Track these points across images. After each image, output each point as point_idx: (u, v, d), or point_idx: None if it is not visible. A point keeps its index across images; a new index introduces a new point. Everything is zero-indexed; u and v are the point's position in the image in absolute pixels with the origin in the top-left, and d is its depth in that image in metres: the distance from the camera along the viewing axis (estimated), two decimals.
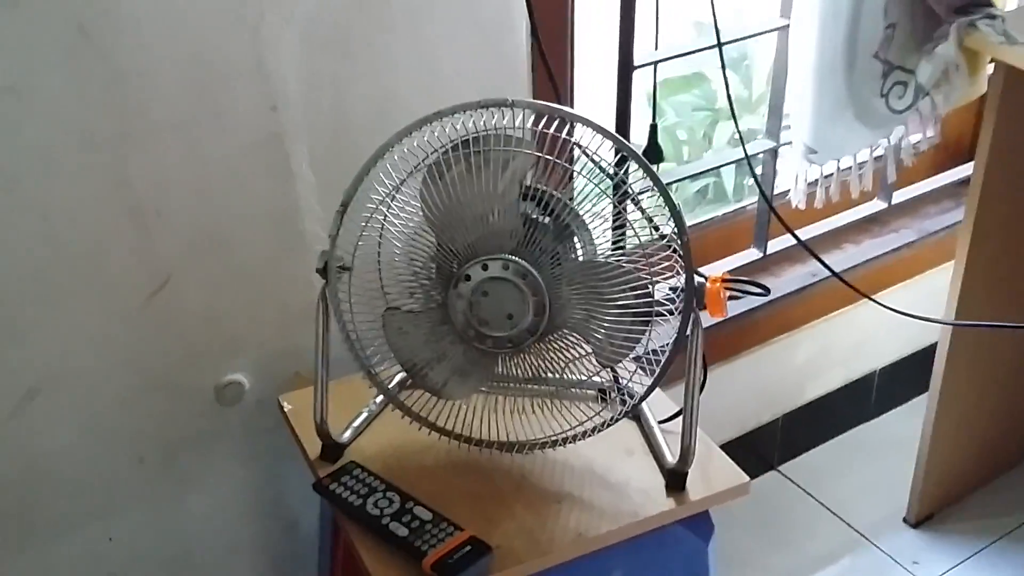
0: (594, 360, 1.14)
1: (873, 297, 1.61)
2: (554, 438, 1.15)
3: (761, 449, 2.04)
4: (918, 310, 1.59)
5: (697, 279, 1.09)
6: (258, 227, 1.28)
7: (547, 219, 1.10)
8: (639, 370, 1.14)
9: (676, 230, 1.07)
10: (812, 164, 1.63)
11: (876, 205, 1.97)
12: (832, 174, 1.68)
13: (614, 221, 1.12)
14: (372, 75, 1.27)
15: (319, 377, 1.17)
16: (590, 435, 1.15)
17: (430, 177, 1.07)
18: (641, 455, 1.20)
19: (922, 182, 2.07)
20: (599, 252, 1.12)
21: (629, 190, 1.09)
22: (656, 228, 1.11)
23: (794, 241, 1.59)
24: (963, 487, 1.97)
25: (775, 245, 1.84)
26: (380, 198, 1.10)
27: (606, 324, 1.09)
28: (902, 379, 2.17)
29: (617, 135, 1.05)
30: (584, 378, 1.17)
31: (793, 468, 2.08)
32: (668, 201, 1.07)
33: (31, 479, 1.26)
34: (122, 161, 1.17)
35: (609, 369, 1.16)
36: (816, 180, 1.68)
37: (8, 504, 1.27)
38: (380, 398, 1.23)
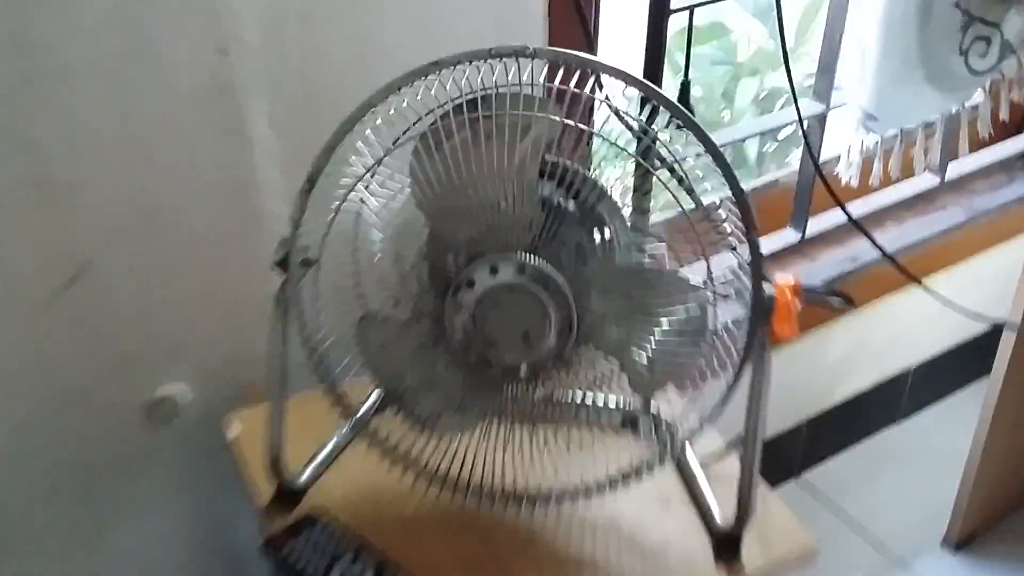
0: (624, 384, 0.89)
1: (929, 287, 1.38)
2: (575, 488, 0.90)
3: (781, 456, 1.81)
4: (964, 298, 1.39)
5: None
6: (203, 203, 1.03)
7: (571, 204, 0.85)
8: (681, 399, 0.89)
9: (743, 227, 0.82)
10: (870, 132, 1.37)
11: (927, 181, 1.72)
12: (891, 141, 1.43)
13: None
14: (352, 11, 1.01)
15: (274, 403, 0.91)
16: (620, 485, 0.90)
17: (424, 148, 0.81)
18: (680, 506, 0.96)
19: (971, 156, 1.82)
20: (638, 245, 0.86)
21: (683, 174, 0.84)
22: (716, 227, 0.85)
23: (832, 222, 1.41)
24: (1010, 505, 1.75)
25: (813, 226, 1.59)
26: (358, 174, 0.84)
27: (654, 346, 0.84)
28: (938, 376, 1.96)
29: (679, 105, 0.79)
30: (612, 406, 0.92)
31: (817, 476, 1.85)
32: (734, 187, 0.81)
33: None
34: (24, 116, 0.91)
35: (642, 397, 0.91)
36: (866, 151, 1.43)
37: None
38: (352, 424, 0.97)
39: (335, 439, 0.99)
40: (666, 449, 0.89)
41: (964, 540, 1.71)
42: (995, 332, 1.93)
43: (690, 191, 0.87)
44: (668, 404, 0.91)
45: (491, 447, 0.89)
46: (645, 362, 0.85)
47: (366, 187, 0.85)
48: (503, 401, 0.87)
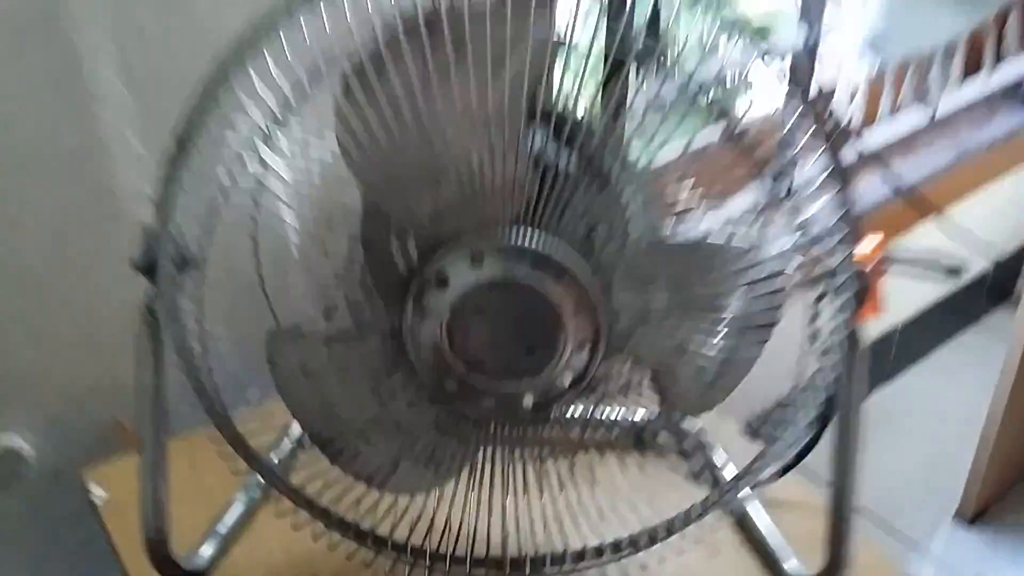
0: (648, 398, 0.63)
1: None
2: (597, 547, 0.64)
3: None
4: (957, 240, 1.18)
5: None
6: (28, 182, 0.75)
7: (571, 159, 0.58)
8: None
9: (835, 181, 0.57)
10: (877, 60, 1.14)
11: (916, 119, 1.51)
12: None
13: None
14: None
15: (147, 463, 0.63)
16: (657, 540, 0.64)
17: (359, 84, 0.53)
18: (733, 554, 0.71)
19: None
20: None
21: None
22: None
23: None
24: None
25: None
26: (257, 128, 0.55)
27: (714, 352, 0.58)
28: (923, 334, 1.82)
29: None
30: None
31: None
32: (818, 114, 0.57)
33: None
34: None
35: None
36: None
37: None
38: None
39: (243, 498, 0.72)
40: (723, 497, 0.63)
41: (979, 511, 1.52)
42: (975, 285, 1.78)
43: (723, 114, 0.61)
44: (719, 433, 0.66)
45: (475, 501, 0.62)
46: (694, 373, 0.59)
47: (268, 149, 0.57)
48: (494, 446, 0.60)
